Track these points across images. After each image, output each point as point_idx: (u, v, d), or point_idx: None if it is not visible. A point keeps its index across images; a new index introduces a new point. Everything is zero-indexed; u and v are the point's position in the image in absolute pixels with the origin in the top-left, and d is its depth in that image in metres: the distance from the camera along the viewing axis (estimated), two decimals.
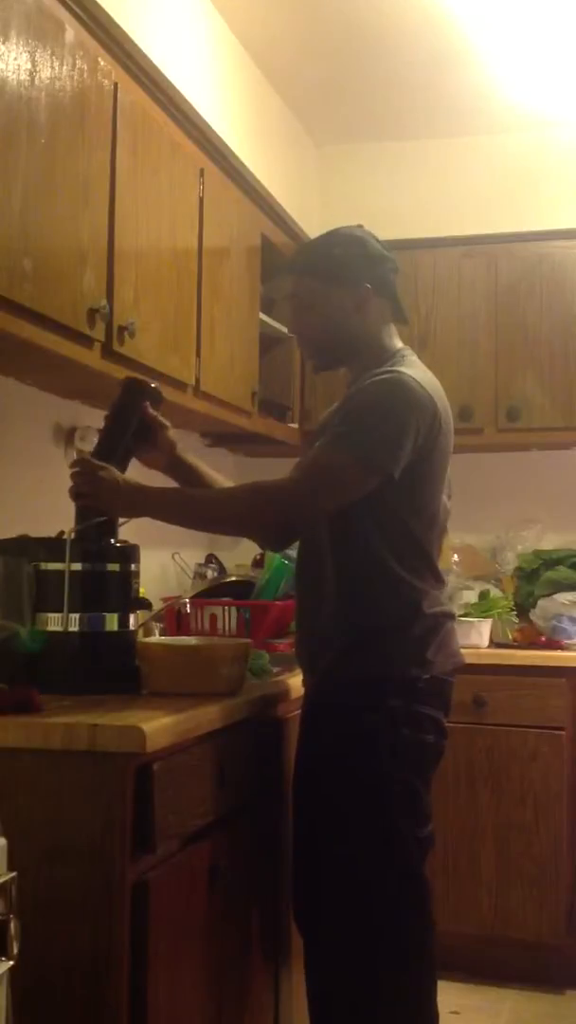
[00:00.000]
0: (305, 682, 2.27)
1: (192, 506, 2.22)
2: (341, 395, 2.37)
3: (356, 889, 2.10)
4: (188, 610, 2.76)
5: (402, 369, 2.17)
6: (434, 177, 3.86)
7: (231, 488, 2.33)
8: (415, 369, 2.19)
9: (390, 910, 2.11)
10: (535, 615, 3.62)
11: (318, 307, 2.25)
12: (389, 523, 2.14)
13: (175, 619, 2.78)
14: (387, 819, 2.11)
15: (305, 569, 2.29)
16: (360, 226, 2.32)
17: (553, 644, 3.50)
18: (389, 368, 2.17)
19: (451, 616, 2.27)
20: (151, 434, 2.30)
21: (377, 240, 2.29)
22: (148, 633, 2.64)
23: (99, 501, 2.14)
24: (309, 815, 2.18)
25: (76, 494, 2.16)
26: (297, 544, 2.33)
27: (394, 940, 2.11)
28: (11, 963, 1.33)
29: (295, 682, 2.37)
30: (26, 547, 2.13)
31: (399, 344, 2.29)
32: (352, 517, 2.13)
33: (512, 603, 3.69)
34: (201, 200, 2.92)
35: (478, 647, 3.49)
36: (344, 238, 2.28)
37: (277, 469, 2.45)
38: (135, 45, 2.49)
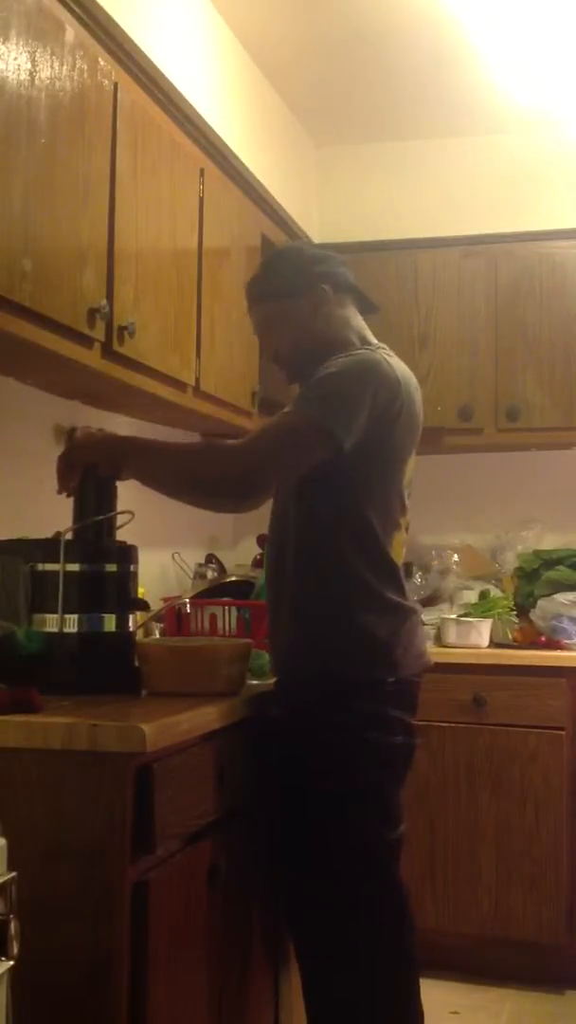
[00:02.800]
0: (275, 682, 2.28)
1: (161, 456, 2.21)
2: None
3: (328, 890, 2.11)
4: (188, 610, 2.76)
5: (366, 351, 2.19)
6: (434, 177, 3.86)
7: (195, 444, 2.39)
8: (393, 359, 2.21)
9: (362, 911, 2.11)
10: (535, 615, 3.62)
11: (281, 325, 2.27)
12: (348, 514, 2.14)
13: (175, 619, 2.77)
14: (355, 821, 2.11)
15: (270, 568, 2.30)
16: (297, 240, 2.35)
17: (553, 644, 3.50)
18: (360, 348, 2.20)
19: (414, 611, 2.25)
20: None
21: (314, 245, 2.31)
22: (148, 633, 2.64)
23: (82, 455, 2.14)
24: (283, 817, 2.19)
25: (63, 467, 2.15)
26: (267, 548, 2.32)
27: (369, 941, 2.12)
28: (11, 963, 1.33)
29: None
30: (23, 547, 2.13)
31: (374, 341, 2.29)
32: (313, 510, 2.14)
33: (512, 603, 3.69)
34: (201, 200, 2.92)
35: (478, 647, 3.49)
36: (280, 254, 2.35)
37: None
38: (135, 45, 2.49)
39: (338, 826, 2.10)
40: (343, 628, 2.14)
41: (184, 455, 2.27)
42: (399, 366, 2.21)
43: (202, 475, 2.16)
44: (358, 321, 2.30)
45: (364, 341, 2.27)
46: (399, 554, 2.22)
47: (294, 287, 2.25)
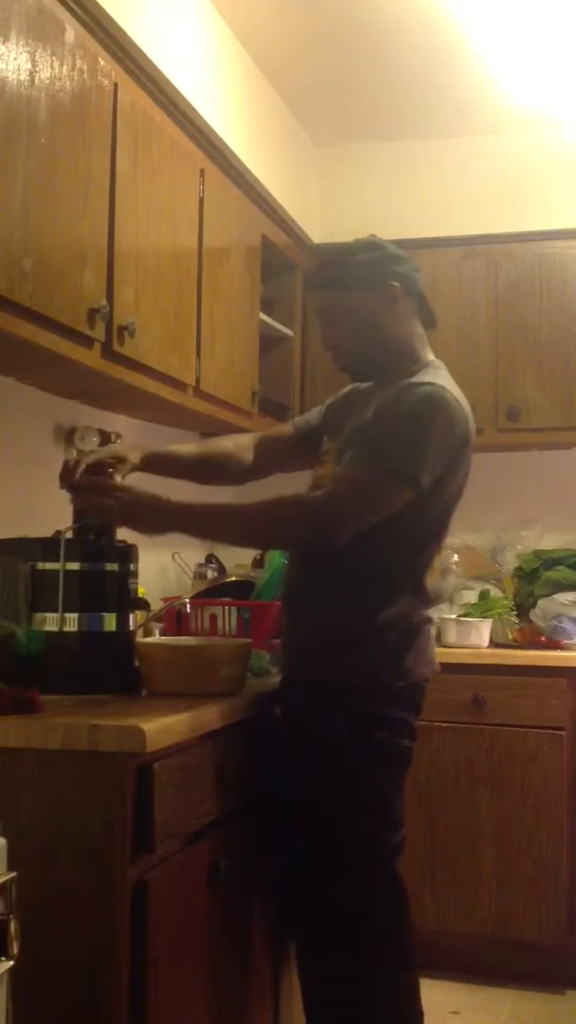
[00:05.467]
0: (284, 680, 2.28)
1: (219, 521, 2.20)
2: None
3: (331, 890, 2.11)
4: (188, 610, 2.76)
5: (441, 384, 2.14)
6: (434, 177, 3.86)
7: (261, 503, 2.18)
8: (452, 386, 2.17)
9: (365, 911, 2.11)
10: (535, 615, 3.62)
11: (348, 314, 2.23)
12: (392, 533, 2.12)
13: (175, 619, 2.77)
14: (361, 822, 2.11)
15: (290, 570, 2.30)
16: (373, 236, 2.31)
17: (553, 644, 3.50)
18: (427, 381, 2.14)
19: (430, 621, 2.26)
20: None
21: (391, 243, 2.29)
22: (148, 633, 2.64)
23: (122, 522, 2.13)
24: (288, 816, 2.19)
25: (92, 510, 2.11)
26: None
27: (372, 941, 2.12)
28: (11, 963, 1.33)
29: None
30: (23, 547, 2.13)
31: (431, 355, 2.27)
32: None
33: (512, 603, 3.69)
34: (201, 200, 2.92)
35: (478, 647, 3.49)
36: (362, 245, 2.27)
37: None
38: (135, 45, 2.49)
39: (341, 827, 2.11)
40: (367, 641, 2.13)
41: (251, 521, 2.17)
42: (459, 394, 2.17)
43: (278, 534, 2.18)
44: (420, 331, 2.27)
45: (422, 347, 2.25)
46: (436, 571, 2.23)
47: (368, 279, 2.21)
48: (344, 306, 2.23)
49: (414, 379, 2.15)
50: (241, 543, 2.44)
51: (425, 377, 2.16)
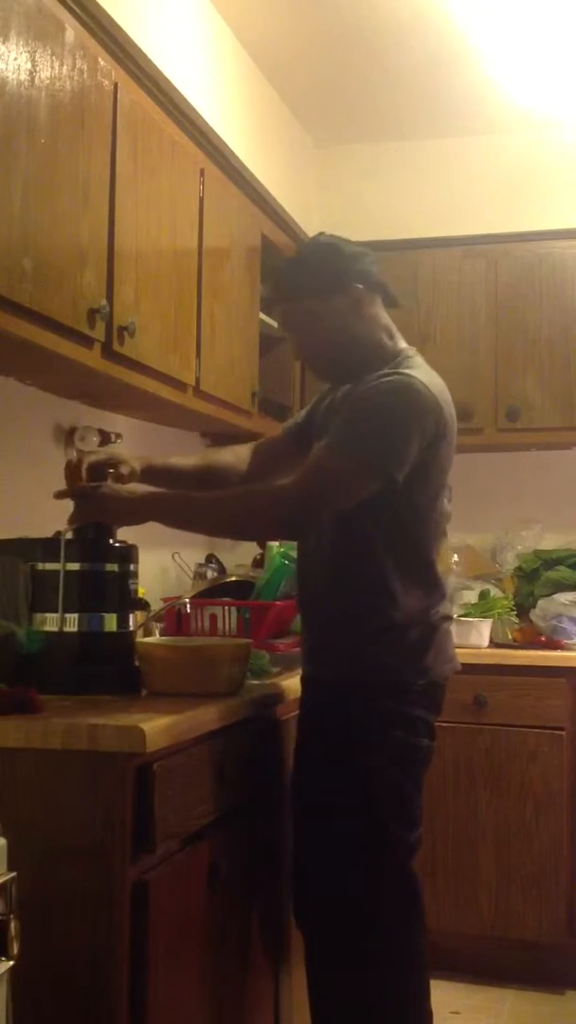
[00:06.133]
0: (303, 679, 2.28)
1: (193, 509, 2.20)
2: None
3: (346, 888, 2.11)
4: (188, 610, 2.76)
5: (409, 372, 2.15)
6: (434, 177, 3.86)
7: (234, 490, 2.29)
8: (421, 371, 2.17)
9: (379, 910, 2.11)
10: (535, 615, 3.62)
11: (317, 324, 2.21)
12: (389, 525, 2.13)
13: (175, 619, 2.77)
14: (378, 820, 2.11)
15: (306, 569, 2.29)
16: (322, 233, 2.30)
17: (553, 644, 3.50)
18: (395, 370, 2.16)
19: (449, 618, 2.27)
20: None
21: (347, 240, 2.26)
22: (148, 633, 2.64)
23: (102, 517, 2.15)
24: (304, 814, 2.18)
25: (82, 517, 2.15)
26: (297, 544, 2.33)
27: (385, 940, 2.12)
28: (11, 963, 1.33)
29: (295, 682, 2.37)
30: (23, 547, 2.13)
31: (402, 344, 2.27)
32: (353, 518, 2.13)
33: (512, 603, 3.69)
34: (201, 200, 2.92)
35: (478, 647, 3.49)
36: (314, 249, 2.26)
37: None
38: (135, 45, 2.49)
39: (357, 825, 2.10)
40: (386, 641, 2.14)
41: (221, 505, 2.19)
42: (430, 379, 2.16)
43: (247, 522, 2.17)
44: (386, 318, 2.27)
45: (392, 338, 2.25)
46: (445, 561, 2.23)
47: (331, 285, 2.19)
48: (311, 317, 2.20)
49: (383, 371, 2.15)
50: (216, 532, 2.42)
51: (400, 368, 2.16)
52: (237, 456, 2.51)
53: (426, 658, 2.16)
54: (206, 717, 1.95)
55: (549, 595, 3.61)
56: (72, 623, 2.09)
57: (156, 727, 1.74)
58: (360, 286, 2.20)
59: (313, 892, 2.17)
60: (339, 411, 2.24)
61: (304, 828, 2.18)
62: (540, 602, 3.62)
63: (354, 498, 2.08)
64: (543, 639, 3.54)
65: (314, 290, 2.20)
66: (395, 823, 2.13)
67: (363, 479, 2.06)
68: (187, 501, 2.21)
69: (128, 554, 2.19)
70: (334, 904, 2.12)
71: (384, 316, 2.27)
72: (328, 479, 2.10)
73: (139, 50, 2.51)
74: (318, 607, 2.23)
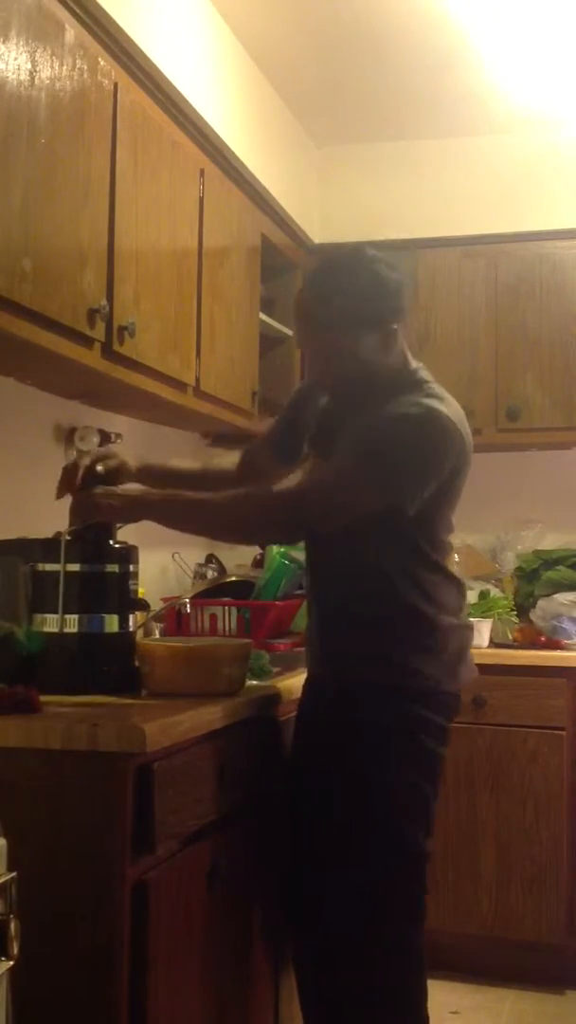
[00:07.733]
0: (315, 682, 2.26)
1: (196, 510, 2.19)
2: None
3: (354, 889, 2.10)
4: (188, 610, 2.76)
5: (436, 406, 2.08)
6: (434, 177, 3.86)
7: (227, 492, 2.21)
8: (445, 403, 2.11)
9: (390, 914, 2.11)
10: (535, 615, 3.62)
11: (345, 356, 2.11)
12: (403, 544, 2.12)
13: (175, 619, 2.78)
14: (395, 825, 2.10)
15: (313, 575, 2.28)
16: (364, 246, 2.17)
17: (553, 644, 3.50)
18: (420, 400, 2.08)
19: (469, 627, 2.28)
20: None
21: (386, 264, 2.12)
22: (148, 633, 2.64)
23: (97, 516, 2.15)
24: (310, 815, 2.18)
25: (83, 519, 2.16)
26: (305, 555, 2.32)
27: (393, 944, 2.12)
28: (11, 963, 1.33)
29: (295, 682, 2.37)
30: (23, 547, 2.13)
31: (414, 364, 2.20)
32: (370, 534, 2.11)
33: (512, 603, 3.69)
34: (201, 200, 2.92)
35: (478, 647, 3.48)
36: (358, 277, 2.10)
37: None
38: (135, 45, 2.49)
39: (378, 828, 2.10)
40: (414, 638, 2.13)
41: (214, 506, 2.16)
42: (454, 412, 2.11)
43: (251, 526, 2.18)
44: (403, 341, 2.19)
45: (407, 360, 2.18)
46: (454, 568, 2.23)
47: (369, 323, 2.09)
48: (338, 349, 2.11)
49: (409, 397, 2.09)
50: (218, 536, 2.40)
51: (413, 393, 2.10)
52: (233, 462, 2.51)
53: (460, 667, 2.17)
54: (206, 717, 1.95)
55: (549, 595, 3.61)
56: (72, 624, 2.09)
57: (156, 727, 1.74)
58: (395, 326, 2.12)
59: (309, 894, 2.16)
60: (344, 420, 2.19)
61: (310, 830, 2.17)
62: (540, 602, 3.62)
63: (360, 515, 2.07)
64: (543, 639, 3.54)
65: (350, 326, 2.09)
66: (412, 827, 2.12)
67: (374, 501, 2.05)
68: (180, 501, 2.19)
69: (128, 555, 2.19)
70: (344, 906, 2.11)
71: (403, 340, 2.19)
72: (340, 493, 2.08)
73: (139, 50, 2.51)
74: (346, 610, 2.19)
